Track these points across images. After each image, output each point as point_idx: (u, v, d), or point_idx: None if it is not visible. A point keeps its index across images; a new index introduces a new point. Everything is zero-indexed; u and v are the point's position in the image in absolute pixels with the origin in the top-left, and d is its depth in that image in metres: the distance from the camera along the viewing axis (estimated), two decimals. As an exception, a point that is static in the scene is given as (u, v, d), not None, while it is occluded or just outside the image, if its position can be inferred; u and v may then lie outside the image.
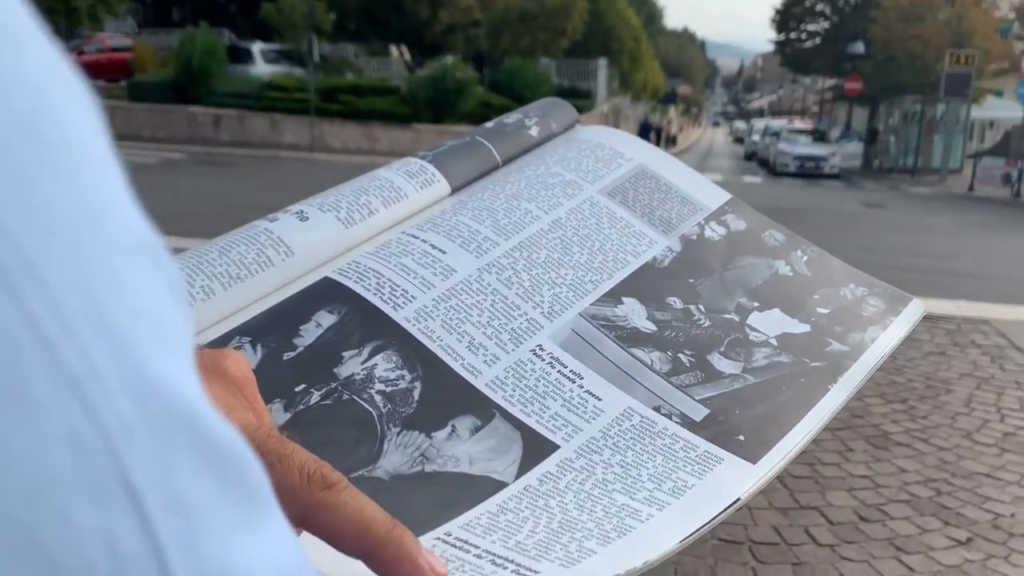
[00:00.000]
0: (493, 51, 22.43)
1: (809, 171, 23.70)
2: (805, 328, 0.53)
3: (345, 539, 0.30)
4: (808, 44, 31.85)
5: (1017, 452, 3.35)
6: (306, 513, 0.29)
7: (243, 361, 0.34)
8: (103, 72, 20.06)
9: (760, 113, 77.91)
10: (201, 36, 18.10)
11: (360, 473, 0.40)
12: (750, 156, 33.44)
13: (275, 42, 22.14)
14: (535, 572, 0.35)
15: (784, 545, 2.61)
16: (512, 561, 0.36)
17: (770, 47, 39.01)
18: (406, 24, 22.41)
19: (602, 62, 23.28)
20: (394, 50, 25.79)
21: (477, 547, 0.37)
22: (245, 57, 20.37)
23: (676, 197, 0.62)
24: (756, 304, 0.55)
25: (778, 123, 35.95)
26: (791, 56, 32.63)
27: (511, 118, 0.66)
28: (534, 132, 0.65)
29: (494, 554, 0.36)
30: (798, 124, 35.91)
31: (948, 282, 7.18)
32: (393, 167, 0.59)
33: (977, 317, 5.44)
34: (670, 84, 56.85)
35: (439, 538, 0.37)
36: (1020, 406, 3.86)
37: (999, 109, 27.87)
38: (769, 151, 27.15)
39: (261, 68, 20.18)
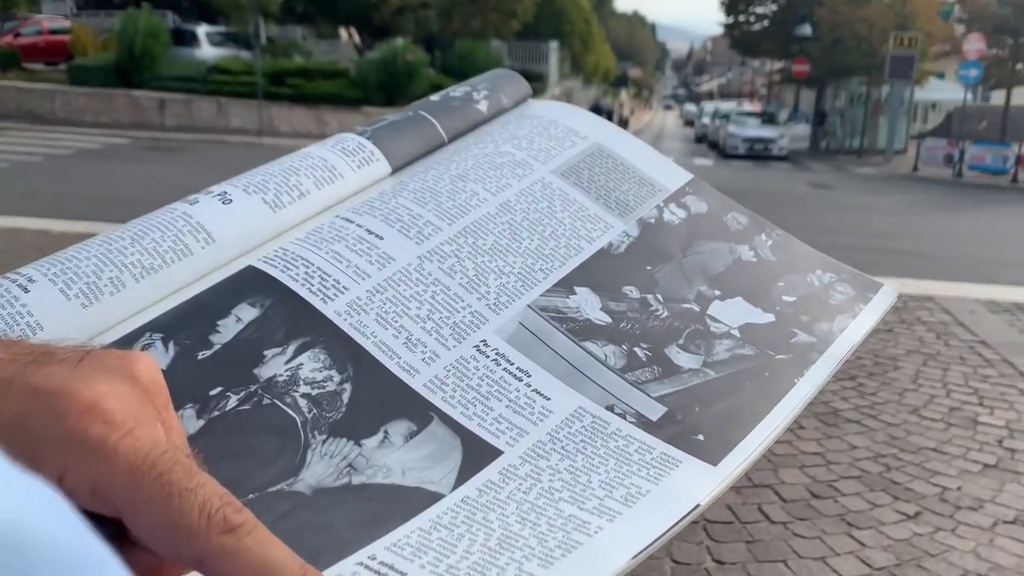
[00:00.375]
0: (444, 33, 22.18)
1: (758, 153, 23.95)
2: (770, 318, 0.50)
3: None
4: (756, 27, 32.04)
5: (962, 426, 3.42)
6: (203, 558, 0.26)
7: (154, 366, 0.31)
8: (41, 55, 19.47)
9: (710, 96, 78.26)
10: (143, 18, 17.58)
11: (279, 487, 0.36)
12: (700, 139, 33.65)
13: (221, 24, 21.63)
14: None
15: (738, 523, 2.63)
16: None
17: (720, 30, 39.23)
18: (355, 6, 22.09)
19: (553, 45, 23.20)
20: (343, 32, 25.41)
21: (403, 573, 0.33)
22: (190, 40, 19.87)
23: (634, 178, 0.58)
24: (718, 292, 0.51)
25: (728, 106, 36.21)
26: (740, 39, 32.80)
27: (458, 91, 0.62)
28: (483, 107, 0.61)
29: None
30: (747, 107, 36.22)
31: (894, 261, 7.30)
32: (327, 144, 0.54)
33: (922, 294, 5.54)
34: (621, 67, 56.85)
35: (361, 563, 0.33)
36: (965, 381, 3.94)
37: (941, 91, 28.44)
38: (719, 133, 27.39)
39: (207, 51, 19.70)
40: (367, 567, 0.33)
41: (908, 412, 3.56)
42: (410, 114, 0.58)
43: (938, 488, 2.88)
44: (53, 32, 20.67)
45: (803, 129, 29.98)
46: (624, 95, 52.79)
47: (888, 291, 0.54)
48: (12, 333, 0.37)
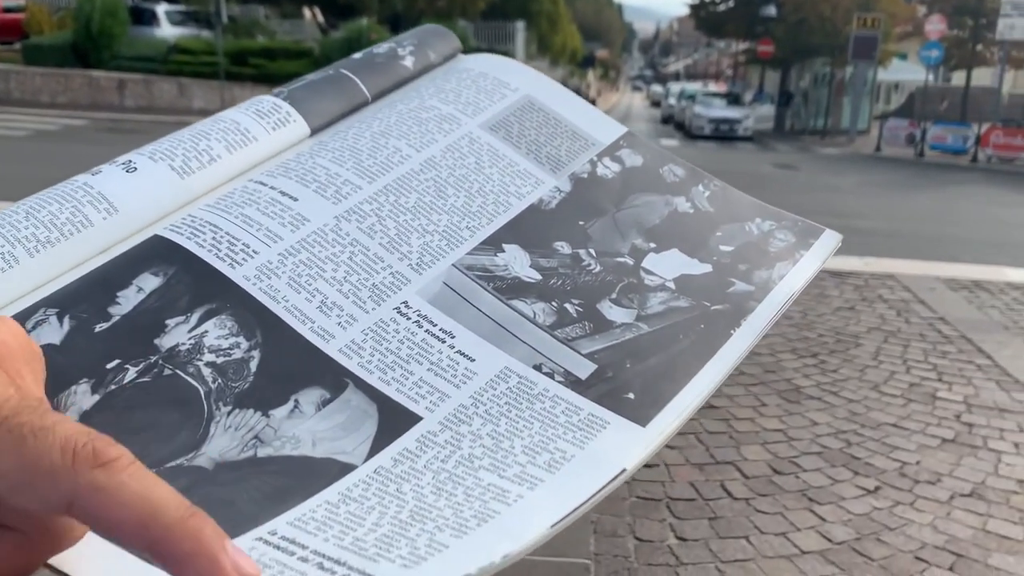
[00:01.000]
0: (409, 13, 21.96)
1: (724, 133, 24.08)
2: (706, 268, 0.48)
3: (125, 529, 0.24)
4: (722, 7, 32.11)
5: (922, 402, 3.46)
6: (74, 498, 0.24)
7: (14, 328, 0.28)
8: (-5, 34, 18.98)
9: (676, 77, 78.52)
10: (101, -4, 17.22)
11: (179, 462, 0.34)
12: (667, 119, 33.76)
13: (180, 3, 21.24)
14: None
15: (701, 500, 2.64)
16: (343, 563, 0.30)
17: (685, 10, 39.23)
18: (318, -15, 21.76)
19: (520, 25, 23.12)
20: (306, 11, 25.04)
21: (305, 547, 0.31)
22: (149, 19, 19.52)
23: (566, 132, 0.56)
24: (652, 245, 0.49)
25: (693, 87, 36.42)
26: (706, 19, 32.85)
27: (382, 48, 0.59)
28: (408, 63, 0.58)
29: (323, 555, 0.30)
30: (713, 87, 36.42)
31: (856, 240, 7.38)
32: (241, 107, 0.51)
33: (884, 272, 5.61)
34: (588, 47, 56.84)
35: (261, 538, 0.31)
36: (924, 357, 4.00)
37: (904, 72, 28.79)
38: (685, 114, 27.50)
39: (166, 30, 19.35)
40: (267, 542, 0.31)
41: (869, 388, 3.60)
42: (331, 72, 0.55)
43: (897, 463, 2.91)
44: (7, 10, 20.15)
45: (768, 110, 30.23)
46: (591, 76, 52.74)
47: (830, 236, 0.52)
48: None
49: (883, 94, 30.97)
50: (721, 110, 25.21)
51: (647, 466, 2.85)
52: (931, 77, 22.11)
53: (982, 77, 23.72)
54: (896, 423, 3.25)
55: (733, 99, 27.65)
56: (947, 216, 9.83)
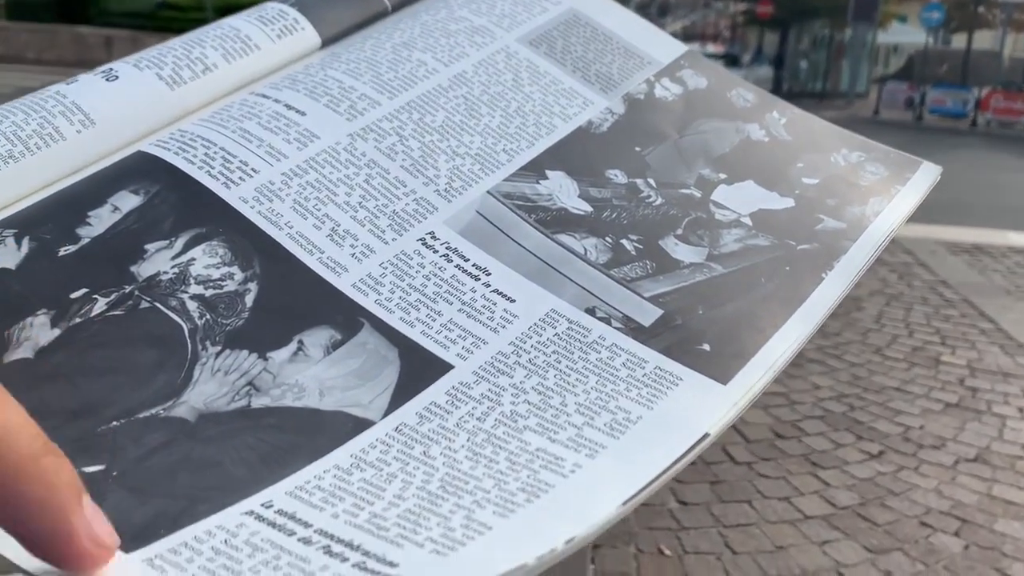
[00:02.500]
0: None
1: (721, 96, 23.89)
2: (788, 203, 0.42)
3: None
4: (721, -33, 31.76)
5: (924, 366, 3.42)
6: None
7: None
8: (-21, -12, 18.64)
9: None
10: (87, -51, 16.92)
11: (153, 412, 0.28)
12: (664, 81, 33.49)
13: (170, -42, 20.88)
14: (391, 565, 0.23)
15: (702, 464, 2.59)
16: (357, 547, 0.23)
17: (683, -30, 38.79)
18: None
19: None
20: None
21: (308, 525, 0.24)
22: (137, -26, 19.18)
23: (618, 48, 0.49)
24: (723, 176, 0.43)
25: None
26: (704, -21, 32.49)
27: None
28: None
29: (331, 535, 0.24)
30: (711, 49, 36.09)
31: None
32: (243, 14, 0.44)
33: (885, 236, 5.55)
34: (584, 8, 56.18)
35: (251, 512, 0.25)
36: (927, 321, 3.95)
37: (903, 34, 28.51)
38: (682, 76, 27.24)
39: (155, -15, 19.04)
40: (260, 518, 0.24)
41: (872, 352, 3.56)
42: None
43: (901, 427, 2.87)
44: (-8, -36, 19.79)
45: (766, 71, 29.97)
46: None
47: (929, 168, 0.46)
48: None
49: (882, 57, 30.73)
50: (718, 72, 25.02)
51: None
52: (931, 40, 21.91)
53: (983, 40, 23.50)
54: (899, 387, 3.21)
55: (731, 60, 27.45)
56: (946, 180, 9.67)
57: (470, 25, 0.47)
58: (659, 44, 0.51)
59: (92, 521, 0.19)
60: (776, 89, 28.25)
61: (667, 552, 2.16)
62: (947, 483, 2.52)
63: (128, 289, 0.32)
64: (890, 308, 4.13)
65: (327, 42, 0.45)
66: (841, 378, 3.28)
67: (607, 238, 0.38)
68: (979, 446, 2.75)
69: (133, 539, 0.23)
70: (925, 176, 0.46)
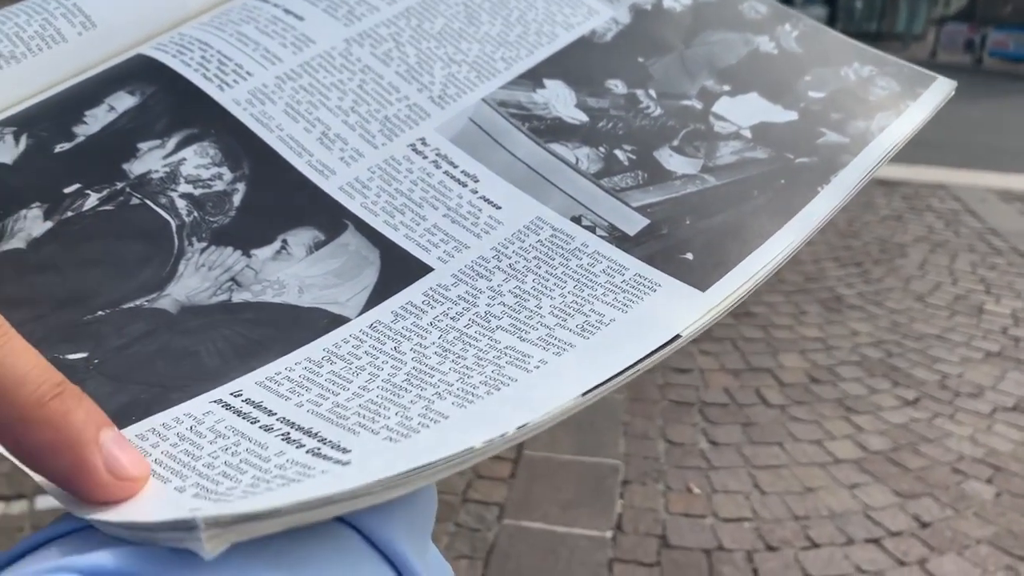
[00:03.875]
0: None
1: (772, 36, 23.26)
2: (791, 116, 0.41)
3: None
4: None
5: (967, 314, 3.36)
6: None
7: None
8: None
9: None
10: None
11: (138, 303, 0.29)
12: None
13: None
14: (343, 451, 0.23)
15: (734, 406, 2.60)
16: (315, 434, 0.24)
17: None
18: None
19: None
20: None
21: (272, 413, 0.25)
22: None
23: None
24: (727, 88, 0.42)
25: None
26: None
27: None
28: None
29: (292, 423, 0.25)
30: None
31: (907, 148, 7.05)
32: None
33: (934, 182, 5.42)
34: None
35: (219, 400, 0.26)
36: (972, 269, 3.87)
37: (966, -27, 27.32)
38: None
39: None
40: (226, 406, 0.25)
41: (913, 299, 3.50)
42: None
43: (939, 375, 2.84)
44: None
45: (819, 11, 29.00)
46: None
47: (943, 83, 0.44)
48: None
49: (942, -3, 29.56)
50: (770, 11, 24.31)
51: (680, 370, 2.81)
52: (995, -21, 20.99)
53: (1050, -21, 22.44)
54: (940, 335, 3.16)
55: None
56: (1003, 126, 9.43)
57: None
58: None
59: (114, 454, 0.20)
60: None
61: (696, 490, 2.18)
62: (983, 431, 2.49)
63: (120, 186, 0.33)
64: (935, 255, 4.04)
65: None
66: (881, 324, 3.24)
67: (600, 148, 0.38)
68: (1018, 395, 2.72)
69: None
70: (937, 91, 0.44)
